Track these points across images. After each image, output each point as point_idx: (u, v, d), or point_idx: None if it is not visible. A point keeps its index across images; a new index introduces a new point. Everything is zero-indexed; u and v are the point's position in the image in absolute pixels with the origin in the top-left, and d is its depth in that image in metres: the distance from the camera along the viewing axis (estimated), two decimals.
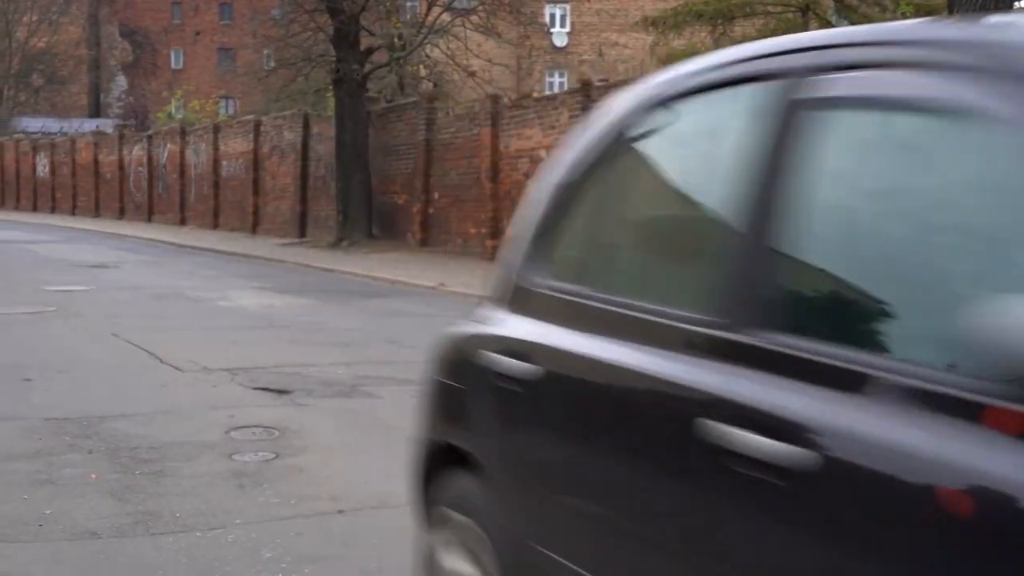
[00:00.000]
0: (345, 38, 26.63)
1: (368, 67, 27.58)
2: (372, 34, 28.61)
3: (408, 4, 37.61)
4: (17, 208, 53.11)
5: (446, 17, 29.88)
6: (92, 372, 10.27)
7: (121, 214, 43.28)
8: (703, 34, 33.59)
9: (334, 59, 27.30)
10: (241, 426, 8.02)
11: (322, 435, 7.87)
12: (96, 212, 45.42)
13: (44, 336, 12.53)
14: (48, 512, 5.96)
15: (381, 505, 6.20)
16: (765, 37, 21.48)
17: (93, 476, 6.64)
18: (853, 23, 26.26)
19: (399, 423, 8.15)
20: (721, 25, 31.05)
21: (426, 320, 14.59)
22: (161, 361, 10.82)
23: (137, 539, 5.61)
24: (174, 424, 8.10)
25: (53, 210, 49.47)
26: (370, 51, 28.05)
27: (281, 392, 9.37)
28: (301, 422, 8.22)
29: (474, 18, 33.62)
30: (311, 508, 6.12)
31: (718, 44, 30.64)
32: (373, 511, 6.09)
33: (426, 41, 30.31)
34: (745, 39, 29.74)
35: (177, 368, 10.44)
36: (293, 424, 8.12)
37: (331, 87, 28.65)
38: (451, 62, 35.81)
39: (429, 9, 30.22)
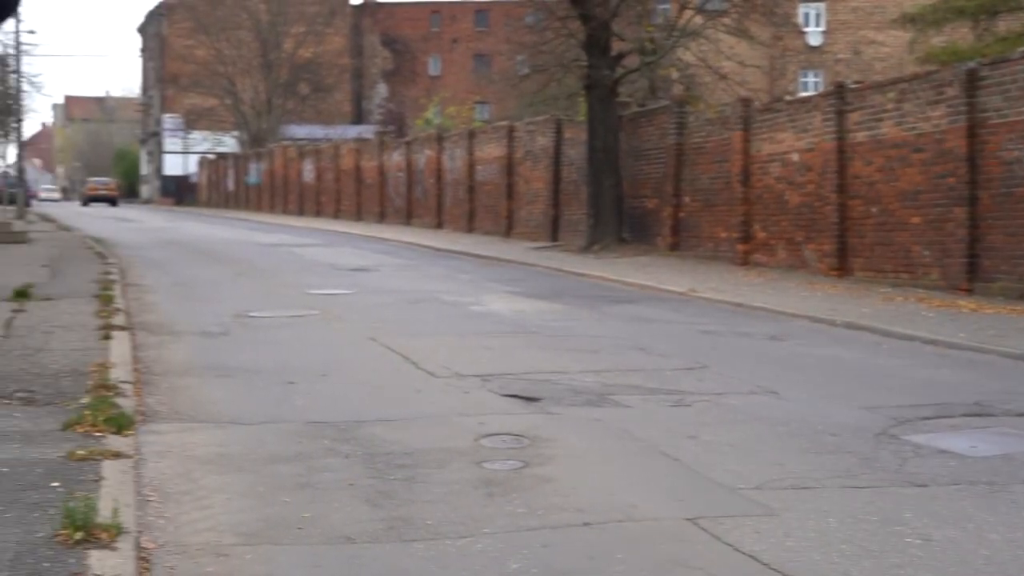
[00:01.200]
0: (596, 44, 26.79)
1: (619, 72, 27.65)
2: (623, 39, 28.67)
3: (660, 7, 37.57)
4: (285, 212, 55.57)
5: (698, 20, 29.66)
6: (351, 376, 10.65)
7: (381, 218, 44.71)
8: (964, 30, 32.35)
9: (586, 65, 27.48)
10: (491, 433, 8.17)
11: (570, 445, 7.94)
12: (358, 216, 47.07)
13: (307, 339, 13.06)
14: (307, 516, 6.22)
15: (626, 519, 6.22)
16: None
17: (350, 483, 6.88)
18: None
19: (647, 434, 8.20)
20: (984, 20, 29.80)
21: (675, 327, 14.58)
22: (416, 366, 11.13)
23: (390, 545, 5.80)
24: (427, 430, 8.33)
25: (318, 214, 51.53)
26: (621, 56, 28.12)
27: (531, 399, 9.51)
28: (550, 431, 8.31)
29: (726, 20, 33.33)
30: (558, 519, 6.19)
31: (980, 40, 29.47)
32: (619, 524, 6.12)
33: (677, 44, 30.19)
34: (1010, 35, 28.57)
35: (431, 373, 10.71)
36: (542, 433, 8.23)
37: (583, 92, 28.83)
38: (703, 64, 35.63)
39: (681, 12, 30.08)
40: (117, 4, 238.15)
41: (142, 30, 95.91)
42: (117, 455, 7.15)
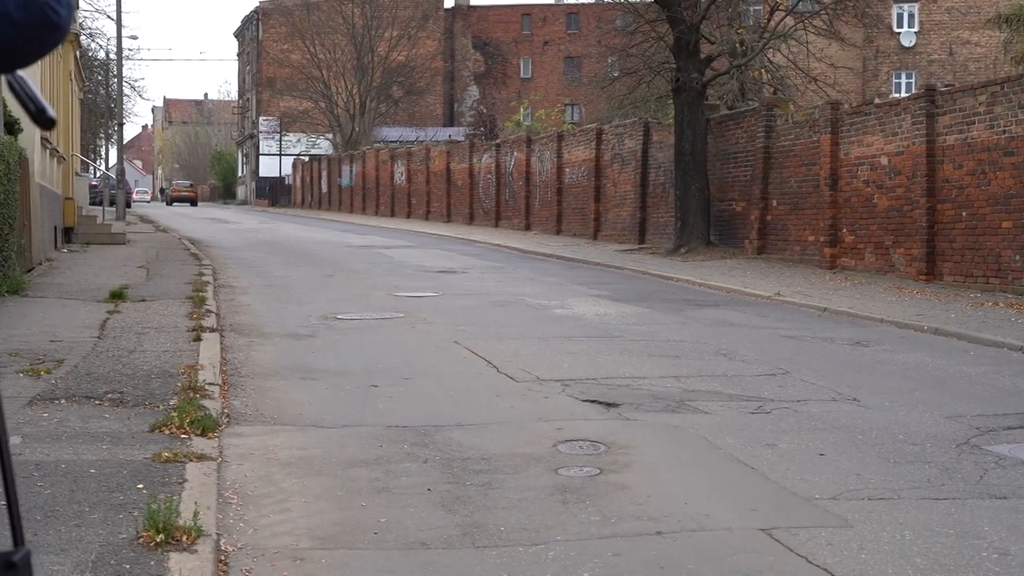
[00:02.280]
0: (685, 47, 26.69)
1: (708, 75, 27.51)
2: (712, 42, 28.54)
3: (752, 10, 37.36)
4: (377, 213, 56.10)
5: (789, 21, 29.46)
6: (433, 380, 10.76)
7: (471, 219, 44.95)
8: None
9: (674, 68, 27.40)
10: (568, 439, 8.22)
11: (647, 452, 7.97)
12: (447, 217, 47.37)
13: (392, 342, 13.21)
14: (383, 520, 6.32)
15: (699, 528, 6.24)
16: None
17: (427, 488, 6.97)
18: None
19: (725, 442, 8.19)
20: None
21: (758, 332, 14.51)
22: (498, 370, 11.21)
23: (463, 551, 5.88)
24: (505, 435, 8.40)
25: (408, 215, 51.96)
26: (710, 59, 27.99)
27: (610, 405, 9.54)
28: (627, 437, 8.34)
29: (817, 22, 33.03)
30: (630, 528, 6.23)
31: None
32: (691, 534, 6.14)
33: (768, 46, 29.99)
34: None
35: (512, 378, 10.79)
36: (619, 439, 8.26)
37: (671, 95, 28.74)
38: (793, 66, 35.34)
39: (771, 14, 29.87)
40: (216, 8, 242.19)
41: (239, 35, 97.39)
42: (201, 457, 7.33)
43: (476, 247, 32.19)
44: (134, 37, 67.84)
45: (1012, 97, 17.84)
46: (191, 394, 9.13)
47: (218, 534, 5.90)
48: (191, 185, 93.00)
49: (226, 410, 9.10)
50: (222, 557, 5.64)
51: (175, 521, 5.66)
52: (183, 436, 7.81)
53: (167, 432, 7.89)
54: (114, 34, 48.21)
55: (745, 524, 6.31)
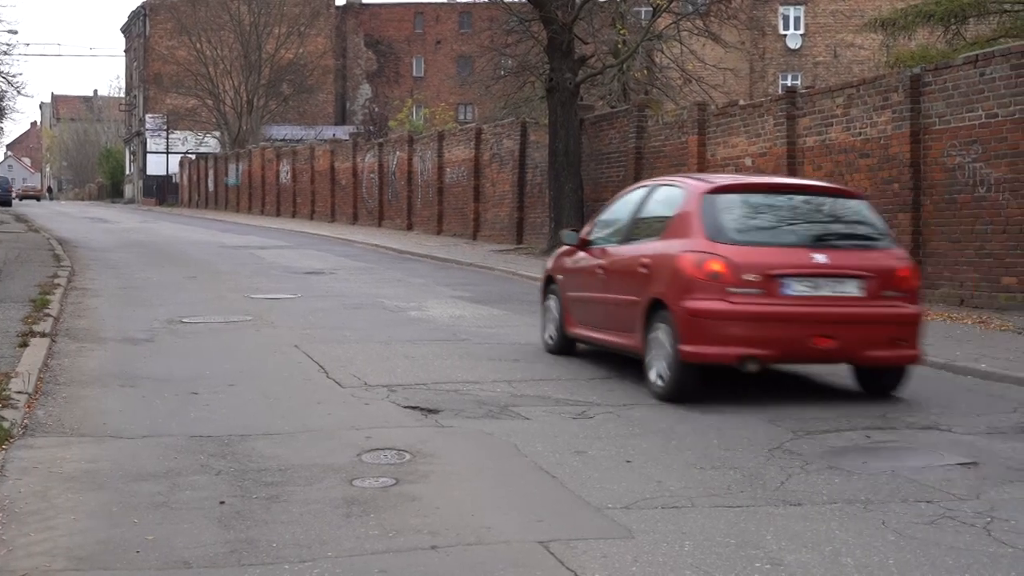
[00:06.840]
0: (558, 47, 26.58)
1: (581, 75, 27.45)
2: (585, 42, 28.52)
3: (641, 11, 37.52)
4: (263, 213, 55.38)
5: (667, 21, 29.63)
6: (257, 386, 10.46)
7: (354, 219, 44.50)
8: (937, 35, 32.14)
9: (548, 68, 27.34)
10: (374, 448, 8.00)
11: (451, 460, 7.78)
12: (332, 217, 46.88)
13: (229, 347, 12.87)
14: (150, 538, 6.04)
15: (477, 542, 6.05)
16: (1000, 37, 20.32)
17: (210, 502, 6.70)
18: None
19: (533, 449, 8.04)
20: (954, 25, 29.56)
21: None
22: (327, 375, 10.97)
23: (226, 570, 5.63)
24: (311, 444, 8.16)
25: (294, 215, 51.35)
26: (584, 59, 27.92)
27: (430, 411, 9.34)
28: (435, 446, 8.15)
29: (699, 23, 33.28)
30: (406, 542, 6.03)
31: (951, 45, 29.32)
32: (466, 548, 5.95)
33: (641, 47, 30.09)
34: (979, 40, 28.45)
35: (339, 383, 10.55)
36: (427, 447, 8.06)
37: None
38: (675, 67, 35.54)
39: (655, 15, 29.93)
40: (107, 3, 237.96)
41: (126, 30, 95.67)
42: None
43: (353, 248, 31.82)
44: (13, 32, 65.91)
45: (867, 99, 17.99)
46: None
47: None
48: (36, 186, 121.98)
49: (26, 420, 8.73)
50: None
51: None
52: None
53: None
54: None
55: (525, 536, 6.14)
